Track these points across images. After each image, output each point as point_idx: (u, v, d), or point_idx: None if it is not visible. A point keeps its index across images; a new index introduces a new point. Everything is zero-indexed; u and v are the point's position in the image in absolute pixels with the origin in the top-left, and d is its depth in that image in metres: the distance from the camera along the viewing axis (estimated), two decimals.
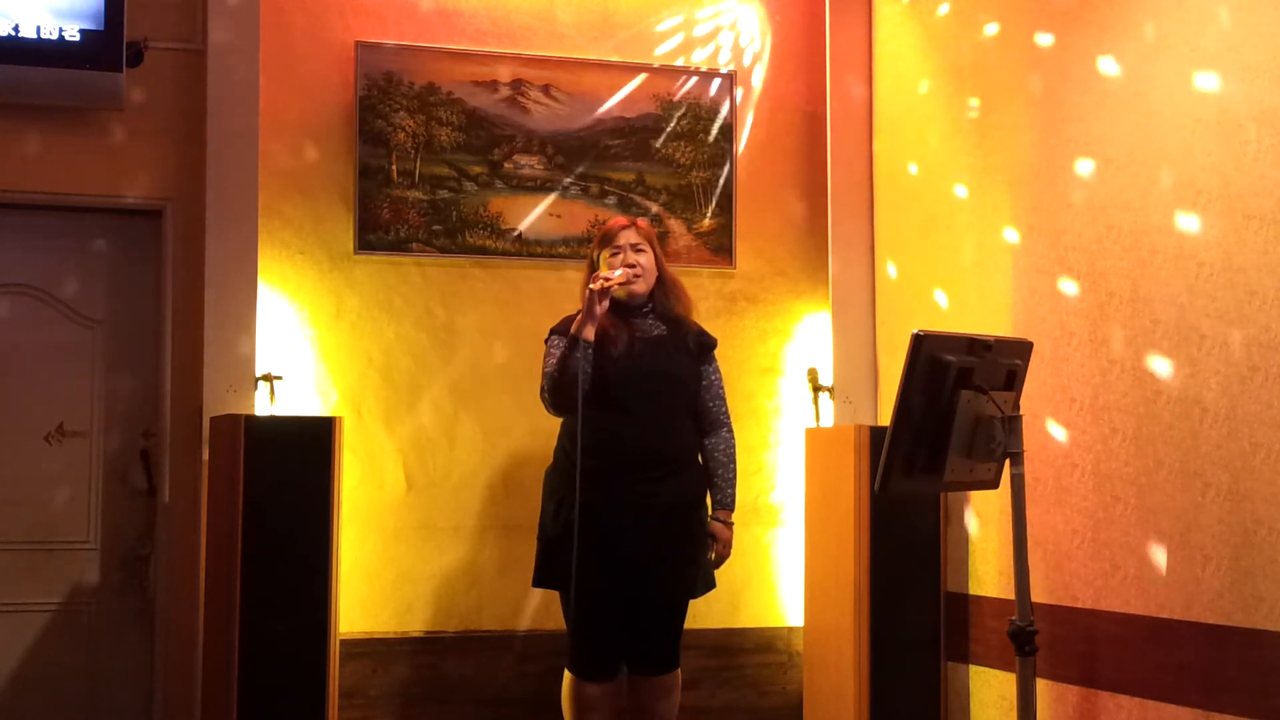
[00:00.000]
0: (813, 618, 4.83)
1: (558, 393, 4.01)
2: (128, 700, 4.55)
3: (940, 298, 4.78)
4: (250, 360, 4.50)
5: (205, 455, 4.42)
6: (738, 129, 5.16)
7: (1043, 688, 3.99)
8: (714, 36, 5.17)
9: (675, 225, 5.07)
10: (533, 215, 4.93)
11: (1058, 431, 4.16)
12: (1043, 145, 4.29)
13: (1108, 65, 4.04)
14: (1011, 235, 4.42)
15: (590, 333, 3.97)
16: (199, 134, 4.56)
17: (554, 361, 4.04)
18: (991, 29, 4.57)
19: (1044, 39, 4.32)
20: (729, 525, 4.17)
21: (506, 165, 4.92)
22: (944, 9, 4.81)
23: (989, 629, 4.50)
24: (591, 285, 3.99)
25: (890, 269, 5.07)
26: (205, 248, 4.51)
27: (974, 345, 3.19)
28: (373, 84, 4.80)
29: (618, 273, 4.05)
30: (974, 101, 4.64)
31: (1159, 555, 3.78)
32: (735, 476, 4.20)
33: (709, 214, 5.11)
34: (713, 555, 4.16)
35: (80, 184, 4.52)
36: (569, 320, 4.12)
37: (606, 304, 4.01)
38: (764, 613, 5.06)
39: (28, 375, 4.55)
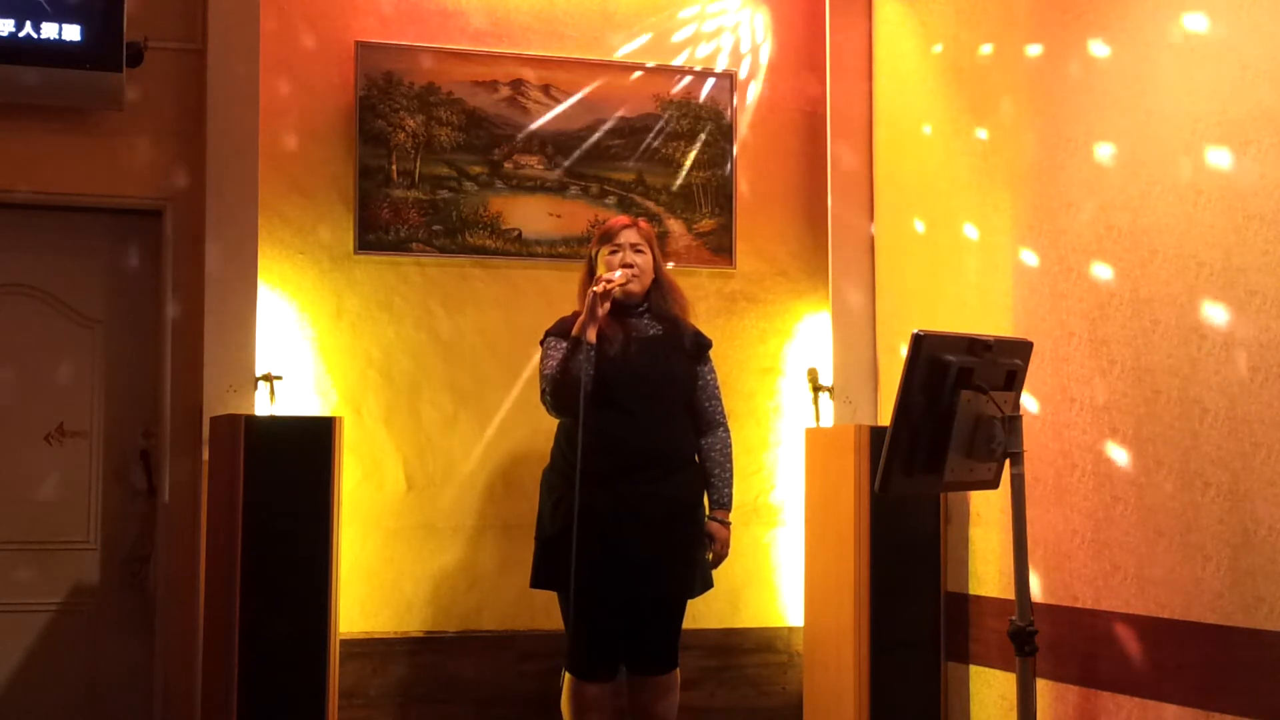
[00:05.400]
0: (813, 618, 4.83)
1: (560, 395, 4.01)
2: (128, 700, 4.55)
3: (940, 298, 4.78)
4: (250, 360, 4.50)
5: (205, 455, 4.42)
6: (738, 129, 5.16)
7: (1043, 688, 3.99)
8: (714, 36, 5.17)
9: (675, 225, 5.07)
10: (533, 215, 4.93)
11: (1058, 431, 4.16)
12: (1043, 145, 4.29)
13: (1108, 65, 4.04)
14: (1011, 235, 4.42)
15: (593, 335, 3.97)
16: (199, 134, 4.56)
17: (555, 364, 4.04)
18: (991, 29, 4.57)
19: (1044, 39, 4.32)
20: (726, 525, 4.16)
21: (506, 165, 4.92)
22: (944, 9, 4.81)
23: (989, 629, 4.50)
24: (594, 288, 3.99)
25: (890, 269, 5.07)
26: (205, 248, 4.51)
27: (974, 345, 3.19)
28: (373, 84, 4.80)
29: (618, 274, 4.05)
30: (974, 102, 4.64)
31: (1159, 555, 3.79)
32: (732, 476, 4.20)
33: (709, 214, 5.11)
34: (710, 555, 4.15)
35: (80, 184, 4.52)
36: (564, 322, 4.13)
37: (608, 306, 4.02)
38: (764, 613, 5.06)
39: (28, 375, 4.55)
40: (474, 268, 4.89)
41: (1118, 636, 3.92)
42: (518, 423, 4.81)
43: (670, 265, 4.63)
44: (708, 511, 4.16)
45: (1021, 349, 3.35)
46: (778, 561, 5.09)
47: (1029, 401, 4.19)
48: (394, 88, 4.82)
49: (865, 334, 5.11)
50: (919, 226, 4.90)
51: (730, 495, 4.18)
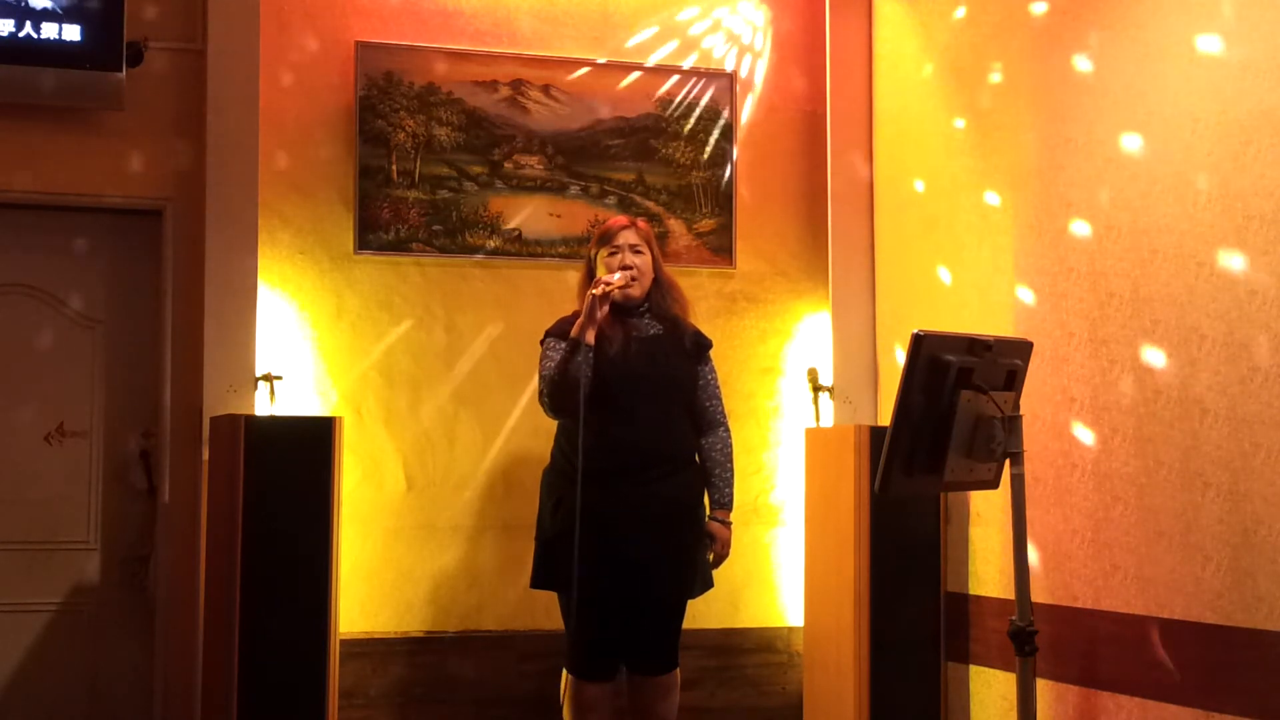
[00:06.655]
0: (813, 618, 4.83)
1: (557, 396, 4.01)
2: (128, 700, 4.55)
3: (940, 298, 4.78)
4: (250, 360, 4.50)
5: (205, 455, 4.42)
6: (737, 129, 5.16)
7: (1043, 688, 3.99)
8: (714, 36, 5.17)
9: (675, 225, 5.07)
10: (533, 215, 4.93)
11: (1058, 431, 4.16)
12: (1043, 145, 4.29)
13: (1108, 65, 4.04)
14: (1012, 235, 4.42)
15: (591, 336, 3.97)
16: (199, 134, 4.56)
17: (553, 365, 4.04)
18: (991, 29, 4.57)
19: (1044, 39, 4.32)
20: (727, 525, 4.16)
21: (506, 165, 4.92)
22: (944, 9, 4.81)
23: (989, 629, 4.50)
24: (593, 290, 3.99)
25: (890, 269, 5.07)
26: (205, 248, 4.51)
27: (974, 345, 3.19)
28: (373, 84, 4.80)
29: (617, 276, 4.04)
30: (974, 101, 4.64)
31: (1159, 555, 3.79)
32: (733, 476, 4.20)
33: (709, 214, 5.11)
34: (711, 555, 4.16)
35: (80, 184, 4.52)
36: (564, 322, 4.12)
37: (607, 308, 4.01)
38: (764, 613, 5.06)
39: (28, 375, 4.55)
40: (474, 268, 4.89)
41: (1118, 636, 3.92)
42: (518, 423, 4.81)
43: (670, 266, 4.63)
44: (708, 511, 4.16)
45: (1021, 349, 3.35)
46: (778, 561, 5.09)
47: (1029, 402, 4.19)
48: (394, 88, 4.82)
49: (865, 334, 5.11)
50: (919, 226, 4.90)
51: (731, 495, 4.18)
